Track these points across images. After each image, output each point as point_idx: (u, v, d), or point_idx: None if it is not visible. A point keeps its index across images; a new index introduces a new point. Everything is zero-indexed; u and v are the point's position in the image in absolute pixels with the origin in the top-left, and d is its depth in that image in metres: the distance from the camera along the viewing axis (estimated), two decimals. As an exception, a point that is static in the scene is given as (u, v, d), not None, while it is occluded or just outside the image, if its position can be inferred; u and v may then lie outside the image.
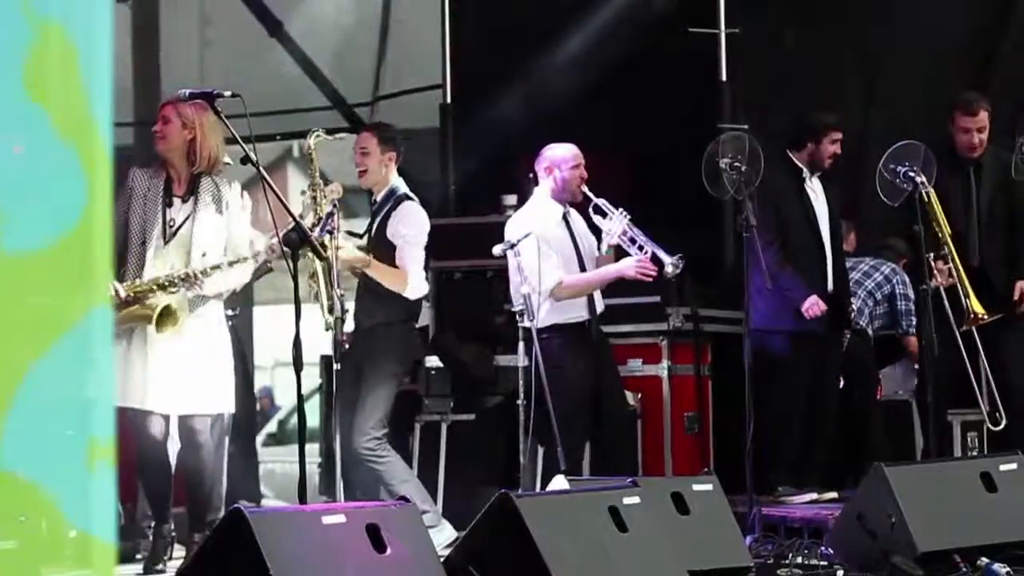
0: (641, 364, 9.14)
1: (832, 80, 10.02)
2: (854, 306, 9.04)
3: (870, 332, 9.35)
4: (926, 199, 7.98)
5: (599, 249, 8.15)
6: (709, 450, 9.20)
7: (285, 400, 17.12)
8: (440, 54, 10.50)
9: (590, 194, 8.12)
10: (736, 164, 7.76)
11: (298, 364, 5.97)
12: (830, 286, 8.42)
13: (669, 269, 7.93)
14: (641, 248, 8.01)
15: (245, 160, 6.03)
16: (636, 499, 5.91)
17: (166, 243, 6.95)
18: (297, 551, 5.11)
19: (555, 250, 8.02)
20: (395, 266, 7.67)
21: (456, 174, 10.43)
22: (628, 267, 8.05)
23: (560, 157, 8.16)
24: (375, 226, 7.80)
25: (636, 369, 9.14)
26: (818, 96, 9.69)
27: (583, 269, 8.14)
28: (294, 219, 6.07)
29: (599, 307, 8.20)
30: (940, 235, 8.05)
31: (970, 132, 8.30)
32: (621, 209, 8.07)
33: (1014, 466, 6.95)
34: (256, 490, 10.63)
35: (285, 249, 6.05)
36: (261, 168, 6.00)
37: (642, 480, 6.27)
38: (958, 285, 8.07)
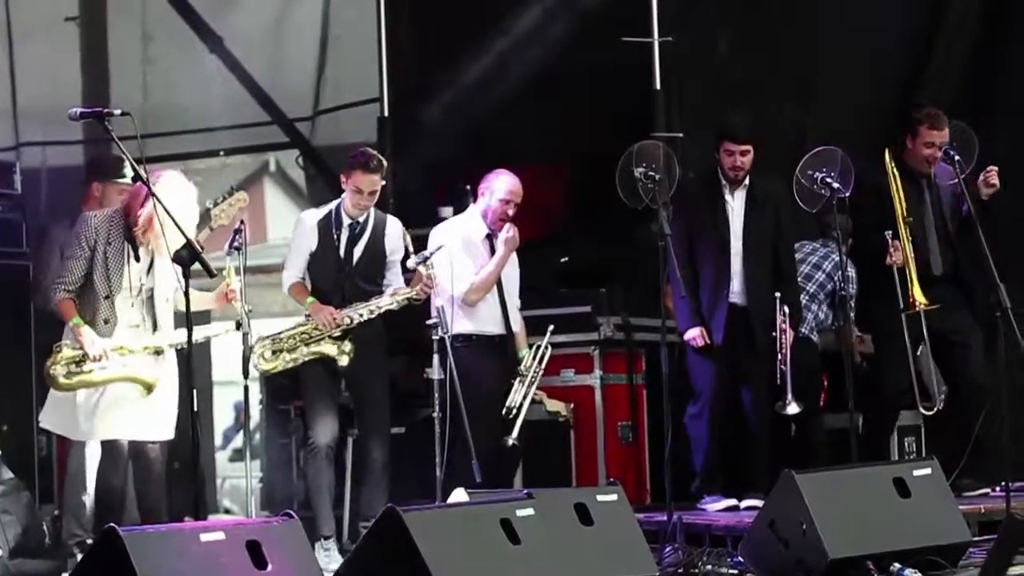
0: (573, 374, 9.14)
1: (768, 82, 10.01)
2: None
3: (815, 337, 9.27)
4: (895, 182, 8.19)
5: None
6: (644, 459, 9.19)
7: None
8: (377, 68, 10.50)
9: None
10: (651, 173, 7.74)
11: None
12: (737, 300, 8.27)
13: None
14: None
15: (136, 179, 6.03)
16: (530, 511, 5.88)
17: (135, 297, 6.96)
18: (173, 569, 5.08)
19: (471, 257, 8.08)
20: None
21: (395, 187, 10.42)
22: (507, 242, 8.15)
23: (496, 186, 8.22)
24: None
25: (568, 379, 9.14)
26: (753, 101, 9.69)
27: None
28: (186, 237, 6.04)
29: (515, 327, 8.24)
30: (899, 217, 8.16)
31: (934, 147, 8.33)
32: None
33: (927, 471, 6.93)
34: (198, 506, 10.59)
35: (176, 267, 6.04)
36: (152, 187, 5.99)
37: (543, 492, 6.22)
38: (906, 270, 8.15)
